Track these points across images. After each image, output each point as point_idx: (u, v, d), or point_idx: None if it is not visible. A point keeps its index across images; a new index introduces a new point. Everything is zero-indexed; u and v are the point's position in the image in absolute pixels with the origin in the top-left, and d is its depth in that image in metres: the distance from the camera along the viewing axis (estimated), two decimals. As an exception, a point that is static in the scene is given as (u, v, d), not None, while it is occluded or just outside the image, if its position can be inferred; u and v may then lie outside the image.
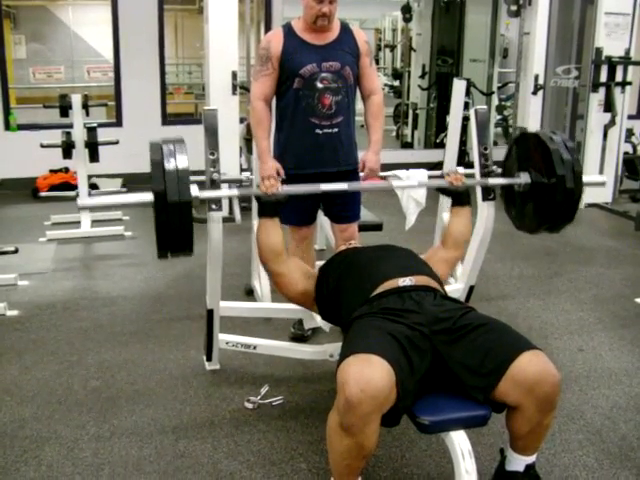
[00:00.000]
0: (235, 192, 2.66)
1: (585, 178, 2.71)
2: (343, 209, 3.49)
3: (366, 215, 4.11)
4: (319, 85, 3.22)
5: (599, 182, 3.00)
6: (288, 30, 3.29)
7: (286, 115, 3.33)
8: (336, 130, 3.29)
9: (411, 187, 3.18)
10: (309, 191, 3.00)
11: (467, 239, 2.88)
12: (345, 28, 3.33)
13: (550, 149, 2.65)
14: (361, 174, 3.45)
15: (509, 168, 2.95)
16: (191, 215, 2.32)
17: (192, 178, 2.51)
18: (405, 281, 2.43)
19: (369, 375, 1.94)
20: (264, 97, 3.30)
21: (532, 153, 2.78)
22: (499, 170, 3.16)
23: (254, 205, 4.00)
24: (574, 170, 2.64)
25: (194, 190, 2.39)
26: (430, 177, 4.14)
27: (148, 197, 2.32)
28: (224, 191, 2.66)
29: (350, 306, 2.44)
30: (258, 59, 3.33)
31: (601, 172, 6.81)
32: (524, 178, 2.78)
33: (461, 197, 2.87)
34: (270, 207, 2.66)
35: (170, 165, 2.31)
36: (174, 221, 2.30)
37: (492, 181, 3.00)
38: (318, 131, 3.27)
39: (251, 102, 3.34)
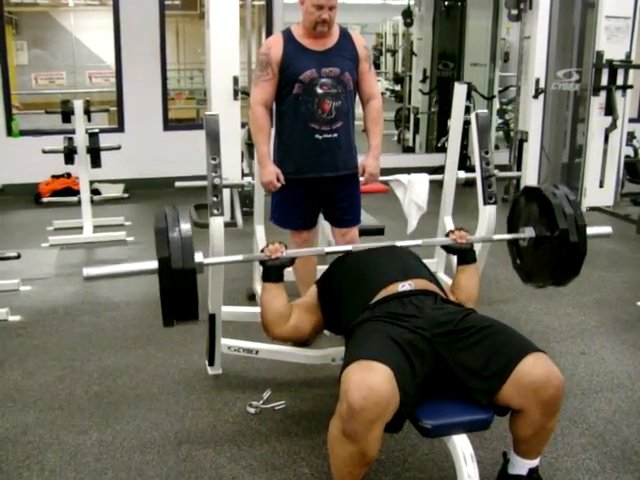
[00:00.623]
0: (240, 258, 2.65)
1: (589, 230, 2.68)
2: (344, 213, 3.49)
3: (368, 219, 4.12)
4: (319, 91, 3.23)
5: (604, 234, 2.96)
6: (288, 36, 3.30)
7: (286, 120, 3.34)
8: (336, 135, 3.29)
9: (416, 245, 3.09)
10: (313, 253, 3.03)
11: (476, 295, 2.80)
12: (344, 33, 3.34)
13: (552, 204, 2.63)
14: (361, 179, 3.45)
15: (514, 222, 2.93)
16: (195, 283, 2.32)
17: (194, 183, 2.53)
18: (405, 286, 2.43)
19: (371, 382, 1.95)
20: (264, 102, 3.30)
21: (535, 207, 2.76)
22: (500, 174, 3.17)
23: (256, 210, 4.00)
24: (577, 224, 2.62)
25: (198, 257, 2.38)
26: (432, 181, 4.16)
27: (153, 265, 2.31)
28: (228, 257, 2.66)
29: (351, 313, 2.44)
30: (258, 64, 3.34)
31: (602, 175, 6.82)
32: (528, 233, 2.77)
33: (466, 254, 2.78)
34: (275, 271, 2.62)
35: (174, 233, 2.31)
36: (178, 288, 2.29)
37: (497, 237, 3.00)
38: (318, 136, 3.28)
39: (251, 107, 3.34)
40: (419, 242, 2.82)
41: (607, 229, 2.93)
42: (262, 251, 2.65)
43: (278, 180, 3.28)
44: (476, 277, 2.82)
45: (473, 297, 2.77)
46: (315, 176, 3.33)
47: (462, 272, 2.78)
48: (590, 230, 2.70)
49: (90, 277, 2.35)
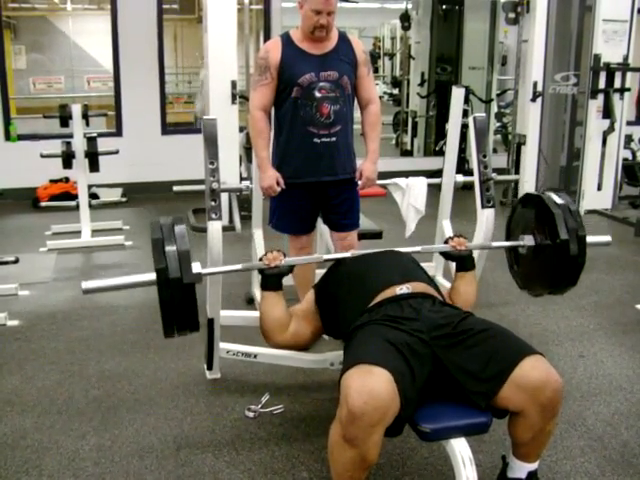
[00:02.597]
0: (239, 267, 2.64)
1: (589, 239, 2.68)
2: (342, 217, 3.49)
3: (366, 223, 4.12)
4: (317, 94, 3.23)
5: (604, 242, 2.95)
6: (286, 40, 3.30)
7: (284, 124, 3.34)
8: (334, 139, 3.30)
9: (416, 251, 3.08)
10: (311, 261, 3.04)
11: (474, 301, 2.80)
12: (343, 37, 3.34)
13: (554, 214, 2.63)
14: (358, 183, 3.45)
15: (513, 229, 2.93)
16: (194, 294, 2.31)
17: (192, 187, 2.52)
18: (402, 289, 2.43)
19: (371, 386, 1.94)
20: (263, 107, 3.31)
21: (536, 215, 2.76)
22: (498, 177, 3.17)
23: (254, 214, 4.01)
24: (578, 236, 2.61)
25: (196, 267, 2.38)
26: (430, 185, 4.16)
27: (150, 277, 2.31)
28: (226, 267, 2.65)
29: (349, 317, 2.43)
30: (257, 69, 3.34)
31: (600, 178, 6.82)
32: (528, 241, 2.77)
33: (465, 261, 2.78)
34: (273, 280, 2.62)
35: (171, 244, 2.30)
36: (177, 300, 2.29)
37: (496, 244, 3.00)
38: (316, 140, 3.28)
39: (250, 112, 3.34)
40: (418, 249, 2.82)
41: (606, 238, 2.93)
42: (260, 259, 2.65)
43: (278, 184, 3.28)
44: (474, 284, 2.82)
45: (471, 303, 2.77)
46: (314, 180, 3.34)
47: (461, 279, 2.78)
48: (590, 239, 2.69)
49: (89, 290, 2.35)
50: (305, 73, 3.22)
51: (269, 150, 3.39)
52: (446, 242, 2.83)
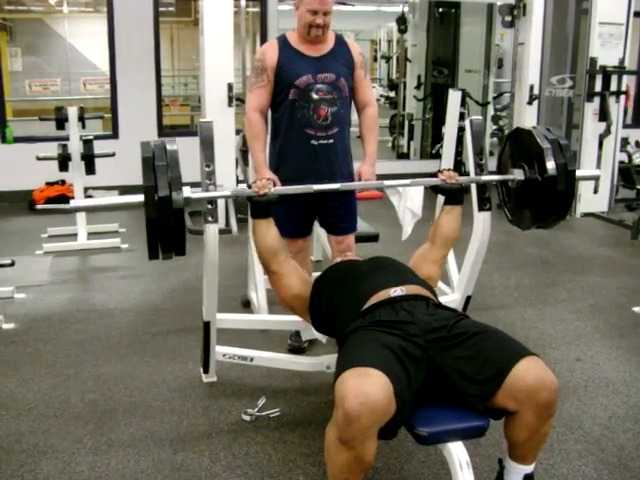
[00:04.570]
0: (227, 193, 2.65)
1: (579, 172, 2.72)
2: (340, 220, 3.49)
3: (362, 226, 4.12)
4: (314, 96, 3.23)
5: (593, 176, 2.99)
6: (283, 42, 3.30)
7: (281, 126, 3.34)
8: (332, 141, 3.29)
9: (404, 185, 3.13)
10: (301, 191, 2.99)
11: (456, 237, 2.88)
12: (340, 40, 3.34)
13: (543, 148, 2.65)
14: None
15: (504, 162, 2.96)
16: (182, 213, 2.32)
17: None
18: (396, 291, 2.43)
19: (367, 388, 1.94)
20: (259, 109, 3.30)
21: (526, 149, 2.78)
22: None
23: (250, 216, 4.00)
24: (567, 170, 2.64)
25: (186, 191, 2.39)
26: (426, 188, 4.16)
27: (140, 198, 2.32)
28: (215, 192, 2.65)
29: (343, 321, 2.43)
30: (253, 71, 3.33)
31: (597, 181, 6.81)
32: (517, 175, 2.79)
33: (454, 195, 2.86)
34: (262, 207, 2.68)
35: (161, 161, 2.32)
36: (164, 217, 2.29)
37: (485, 178, 3.01)
38: (314, 142, 3.28)
39: (246, 114, 3.34)
40: (407, 182, 2.85)
41: (596, 172, 2.97)
42: (249, 187, 2.70)
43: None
44: (459, 219, 2.89)
45: (453, 237, 2.86)
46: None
47: (448, 213, 2.87)
48: (579, 173, 2.74)
49: (77, 208, 2.35)
50: (302, 75, 3.22)
51: (266, 152, 3.39)
52: (436, 175, 2.86)
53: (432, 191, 2.96)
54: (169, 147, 2.39)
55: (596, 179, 3.03)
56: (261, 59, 3.26)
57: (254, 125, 3.30)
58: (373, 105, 3.45)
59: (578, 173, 2.72)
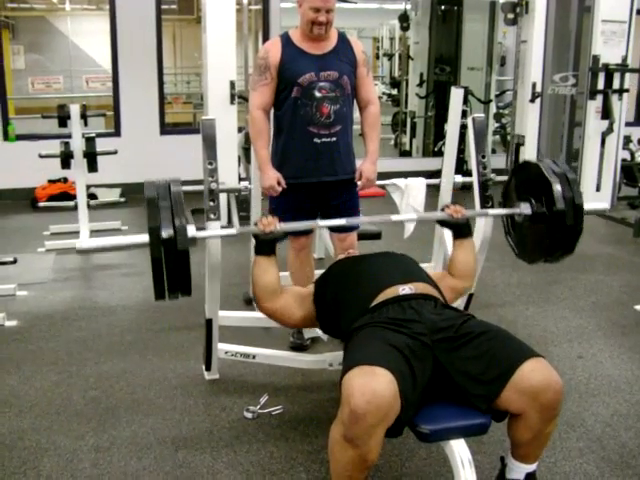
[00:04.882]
0: (233, 231, 2.64)
1: (586, 206, 2.68)
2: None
3: (365, 224, 4.11)
4: (317, 94, 3.22)
5: (601, 209, 2.96)
6: (286, 39, 3.29)
7: (284, 124, 3.33)
8: (334, 139, 3.29)
9: (411, 220, 3.12)
10: (307, 227, 3.03)
11: (474, 270, 2.83)
12: (342, 38, 3.34)
13: (551, 183, 2.63)
14: (358, 183, 3.44)
15: (510, 195, 2.93)
16: (187, 253, 2.30)
17: (190, 187, 2.51)
18: (405, 289, 2.42)
19: (374, 387, 1.94)
20: (263, 107, 3.30)
21: (533, 183, 2.76)
22: (497, 178, 3.17)
23: (253, 214, 4.00)
24: (575, 205, 2.62)
25: (191, 230, 2.37)
26: (428, 185, 4.16)
27: (146, 238, 2.30)
28: (221, 231, 2.65)
29: (350, 316, 2.42)
30: (256, 69, 3.33)
31: (599, 179, 6.82)
32: (524, 209, 2.77)
33: (462, 229, 2.81)
34: (267, 245, 2.64)
35: (164, 202, 2.29)
36: (169, 259, 2.27)
37: (492, 212, 3.00)
38: (316, 140, 3.27)
39: (250, 112, 3.33)
40: (414, 216, 2.83)
41: (604, 204, 2.95)
42: (255, 224, 2.67)
43: (279, 184, 3.27)
44: (473, 251, 2.84)
45: (472, 272, 2.80)
46: (314, 181, 3.33)
47: (459, 247, 2.82)
48: (587, 206, 2.71)
49: (83, 250, 2.34)
50: (305, 73, 3.21)
51: (269, 150, 3.38)
52: (442, 210, 2.85)
53: (440, 225, 2.95)
54: (173, 187, 2.36)
55: (604, 212, 3.00)
56: (264, 57, 3.26)
57: (257, 123, 3.30)
58: (375, 103, 3.44)
59: (586, 207, 2.68)
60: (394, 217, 2.92)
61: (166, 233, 2.25)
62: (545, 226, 2.70)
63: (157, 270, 2.28)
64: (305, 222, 3.01)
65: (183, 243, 2.29)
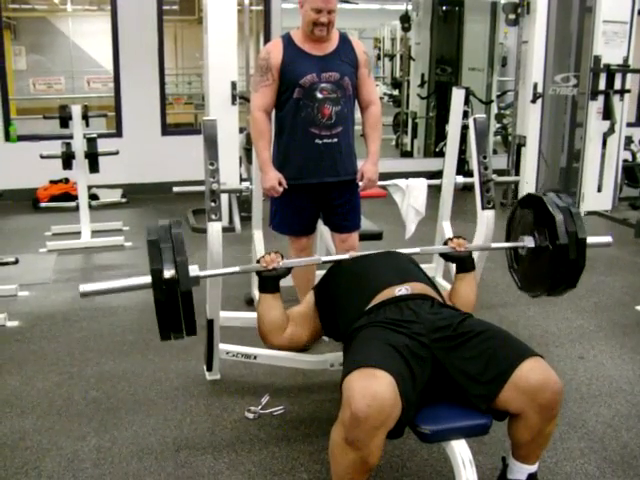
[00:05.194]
0: (236, 269, 2.63)
1: (589, 240, 2.66)
2: (344, 218, 3.48)
3: (366, 224, 4.12)
4: (319, 95, 3.22)
5: (604, 243, 2.95)
6: (288, 40, 3.29)
7: (286, 125, 3.33)
8: (336, 140, 3.29)
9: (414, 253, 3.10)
10: (309, 262, 3.03)
11: (474, 303, 2.79)
12: (344, 39, 3.34)
13: (554, 217, 2.62)
14: (359, 184, 3.44)
15: (514, 228, 2.93)
16: (191, 295, 2.29)
17: (192, 188, 2.52)
18: (401, 290, 2.43)
19: (375, 389, 1.94)
20: (264, 108, 3.30)
21: (536, 216, 2.75)
22: (498, 179, 3.17)
23: (254, 215, 4.01)
24: (578, 240, 2.61)
25: (193, 271, 2.36)
26: (430, 186, 4.16)
27: (148, 279, 2.29)
28: (224, 269, 2.65)
29: (347, 319, 2.43)
30: (258, 70, 3.33)
31: (601, 180, 6.82)
32: (528, 242, 2.76)
33: (464, 263, 2.77)
34: (271, 282, 2.62)
35: (166, 244, 2.29)
36: (174, 304, 2.26)
37: (495, 245, 2.99)
38: (318, 141, 3.27)
39: (251, 113, 3.33)
40: (417, 250, 2.82)
41: (607, 239, 2.93)
42: (258, 261, 2.64)
43: (280, 185, 3.27)
44: (474, 285, 2.81)
45: (471, 304, 2.76)
46: (315, 182, 3.33)
47: (461, 280, 2.77)
48: (590, 240, 2.68)
49: (86, 293, 2.34)
50: (307, 74, 3.21)
51: (271, 151, 3.38)
52: (445, 243, 2.82)
53: (442, 258, 2.93)
54: (174, 230, 2.34)
55: (607, 246, 2.98)
56: (266, 58, 3.26)
57: (259, 124, 3.29)
58: (377, 104, 3.44)
59: (589, 240, 2.67)
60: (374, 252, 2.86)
61: (168, 275, 2.23)
62: (548, 260, 2.68)
63: (161, 312, 2.28)
64: (307, 259, 3.04)
65: (186, 285, 2.27)
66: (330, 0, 3.15)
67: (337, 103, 3.26)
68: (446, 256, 2.82)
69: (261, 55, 3.34)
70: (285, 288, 2.72)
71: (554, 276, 2.68)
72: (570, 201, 2.72)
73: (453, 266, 2.84)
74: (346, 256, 2.80)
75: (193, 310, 2.31)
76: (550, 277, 2.70)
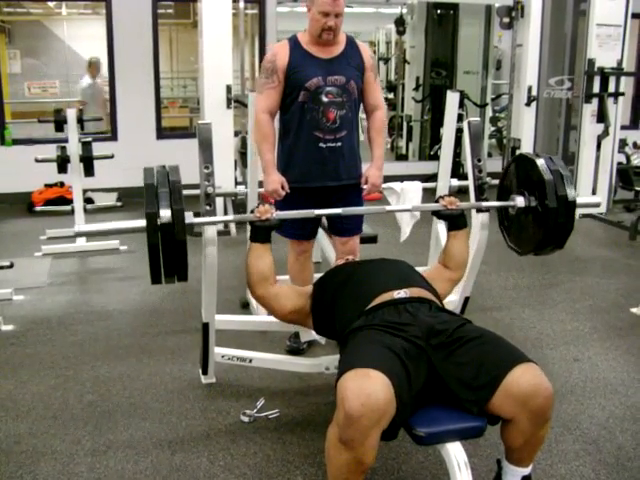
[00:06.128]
0: (230, 218, 2.66)
1: (579, 199, 2.73)
2: (346, 222, 3.46)
3: (363, 229, 4.12)
4: (324, 99, 3.20)
5: (593, 203, 3.00)
6: (294, 43, 3.26)
7: (290, 128, 3.31)
8: (340, 144, 3.27)
9: (406, 210, 3.15)
10: (303, 216, 3.02)
11: (467, 259, 2.89)
12: (351, 42, 3.31)
13: (545, 180, 2.66)
14: (363, 187, 3.42)
15: (505, 188, 2.96)
16: (185, 238, 2.31)
17: (187, 192, 2.50)
18: (400, 293, 2.44)
19: (369, 389, 1.95)
20: (269, 110, 3.27)
21: (528, 177, 2.79)
22: (493, 181, 3.18)
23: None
24: (567, 202, 2.66)
25: (188, 217, 2.38)
26: (425, 189, 4.17)
27: (143, 222, 2.31)
28: (219, 217, 2.67)
29: (345, 319, 2.44)
30: (263, 71, 3.29)
31: (595, 182, 6.84)
32: (519, 202, 2.80)
33: (457, 220, 2.85)
34: (263, 232, 2.67)
35: (163, 188, 2.31)
36: (167, 245, 2.28)
37: (486, 204, 3.02)
38: (322, 145, 3.25)
39: (255, 115, 3.30)
40: (409, 207, 2.86)
41: (596, 199, 2.99)
42: (252, 212, 2.70)
43: (283, 188, 3.26)
44: (467, 242, 2.89)
45: (465, 262, 2.85)
46: (319, 185, 3.31)
47: (453, 238, 2.87)
48: (580, 200, 2.76)
49: (81, 233, 2.35)
50: (312, 77, 3.19)
51: (274, 154, 3.37)
52: (437, 201, 2.88)
53: (434, 216, 2.98)
54: (172, 176, 2.37)
55: (596, 206, 3.05)
56: (272, 60, 3.23)
57: (263, 126, 3.27)
58: (382, 108, 3.42)
59: (578, 201, 2.73)
60: (388, 208, 2.95)
61: (164, 219, 2.26)
62: (538, 221, 2.74)
63: (154, 256, 2.30)
64: (301, 211, 2.96)
65: (180, 232, 2.29)
66: (338, 4, 3.13)
67: (342, 107, 3.24)
68: (438, 214, 2.90)
69: (267, 57, 3.30)
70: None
71: (543, 236, 2.75)
72: (562, 164, 2.77)
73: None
74: (339, 210, 2.91)
75: (186, 255, 2.33)
76: (539, 237, 2.77)
